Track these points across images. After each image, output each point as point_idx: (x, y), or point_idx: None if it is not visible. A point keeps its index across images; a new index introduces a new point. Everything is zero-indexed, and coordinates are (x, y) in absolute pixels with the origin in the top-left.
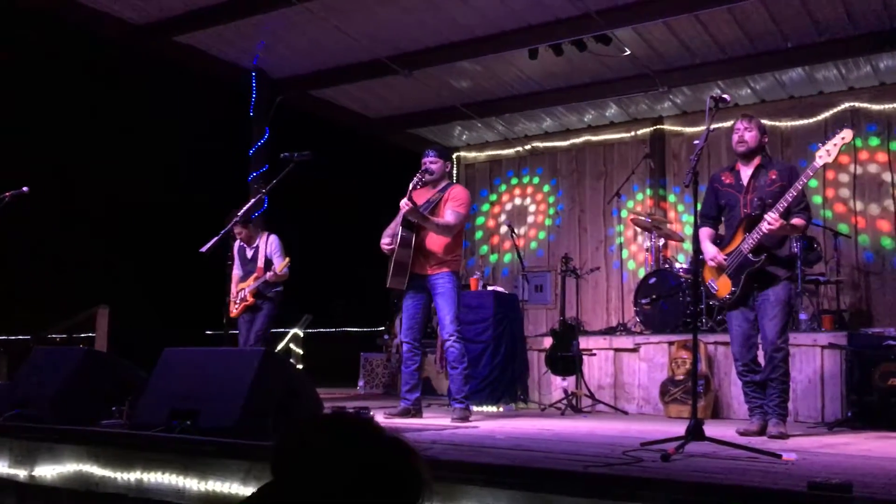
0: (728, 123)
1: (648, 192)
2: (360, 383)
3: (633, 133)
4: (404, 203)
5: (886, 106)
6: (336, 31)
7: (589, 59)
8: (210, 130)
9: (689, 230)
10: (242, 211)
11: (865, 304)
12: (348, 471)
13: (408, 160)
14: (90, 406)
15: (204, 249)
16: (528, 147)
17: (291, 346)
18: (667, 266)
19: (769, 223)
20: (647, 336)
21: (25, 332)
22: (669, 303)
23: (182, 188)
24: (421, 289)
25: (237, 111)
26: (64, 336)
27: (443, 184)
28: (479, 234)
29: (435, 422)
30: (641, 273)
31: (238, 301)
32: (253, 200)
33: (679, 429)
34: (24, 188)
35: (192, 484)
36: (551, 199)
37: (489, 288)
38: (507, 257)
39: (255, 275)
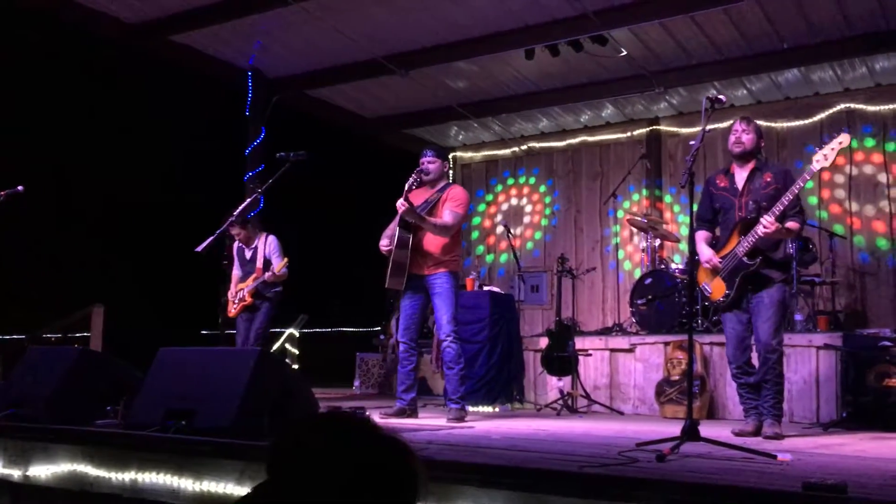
0: (724, 124)
1: (644, 192)
2: (356, 383)
3: (629, 134)
4: (400, 203)
5: (882, 107)
6: (332, 30)
7: (585, 59)
8: (206, 130)
9: (685, 231)
10: (238, 211)
11: (861, 305)
12: (345, 470)
13: (404, 160)
14: (85, 406)
15: (199, 249)
16: (524, 147)
17: (287, 346)
18: (663, 267)
19: (765, 226)
20: (642, 336)
21: (20, 331)
22: (665, 303)
23: (178, 187)
24: (419, 289)
25: (233, 111)
26: (59, 336)
27: (441, 184)
28: (475, 235)
29: (431, 422)
30: (637, 273)
31: (237, 301)
32: (248, 200)
33: (674, 429)
34: (19, 187)
35: (187, 484)
36: (547, 200)
37: (485, 288)
38: (504, 257)
39: (253, 275)
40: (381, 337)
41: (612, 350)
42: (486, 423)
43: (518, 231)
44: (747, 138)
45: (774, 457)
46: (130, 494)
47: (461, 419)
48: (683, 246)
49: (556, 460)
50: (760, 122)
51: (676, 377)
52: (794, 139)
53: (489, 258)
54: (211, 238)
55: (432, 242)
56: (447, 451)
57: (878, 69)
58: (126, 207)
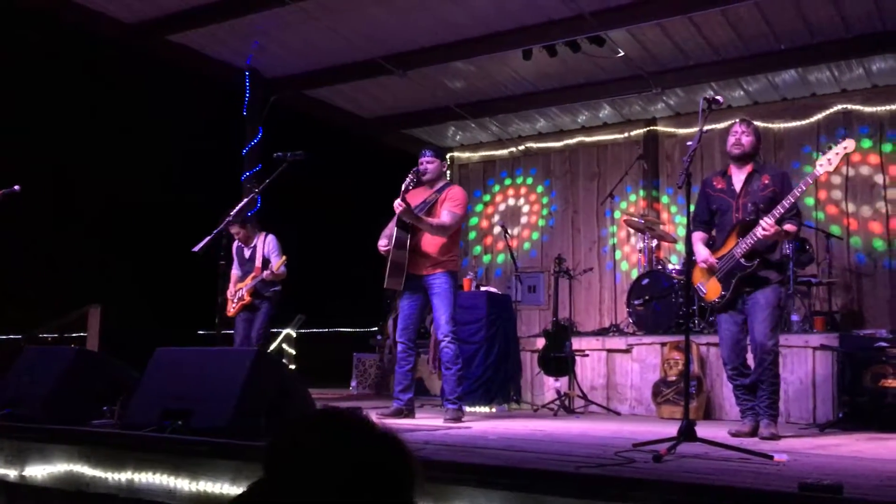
0: (721, 125)
1: (642, 193)
2: (353, 383)
3: (626, 134)
4: (397, 204)
5: (879, 108)
6: (330, 30)
7: (583, 60)
8: (203, 130)
9: (682, 231)
10: (235, 211)
11: (857, 306)
12: (342, 469)
13: (402, 160)
14: (81, 406)
15: (196, 249)
16: (521, 148)
17: (284, 346)
18: (660, 267)
19: (764, 229)
20: (639, 337)
21: (17, 331)
22: (662, 304)
23: (175, 187)
24: (418, 289)
25: (231, 111)
26: (56, 335)
27: (440, 184)
28: (472, 235)
29: (427, 422)
30: (634, 274)
31: (235, 300)
32: (245, 200)
33: (671, 430)
34: (16, 186)
35: (184, 484)
36: (545, 200)
37: (482, 288)
38: (501, 258)
39: (252, 274)
40: (378, 337)
41: (609, 350)
42: (483, 424)
43: (515, 231)
44: (747, 140)
45: (771, 457)
46: (127, 495)
47: (458, 419)
48: (680, 246)
49: (553, 461)
50: (757, 123)
51: (673, 378)
52: (791, 140)
53: (486, 258)
54: (208, 238)
55: (430, 243)
56: (444, 451)
57: (875, 70)
58: (123, 207)
